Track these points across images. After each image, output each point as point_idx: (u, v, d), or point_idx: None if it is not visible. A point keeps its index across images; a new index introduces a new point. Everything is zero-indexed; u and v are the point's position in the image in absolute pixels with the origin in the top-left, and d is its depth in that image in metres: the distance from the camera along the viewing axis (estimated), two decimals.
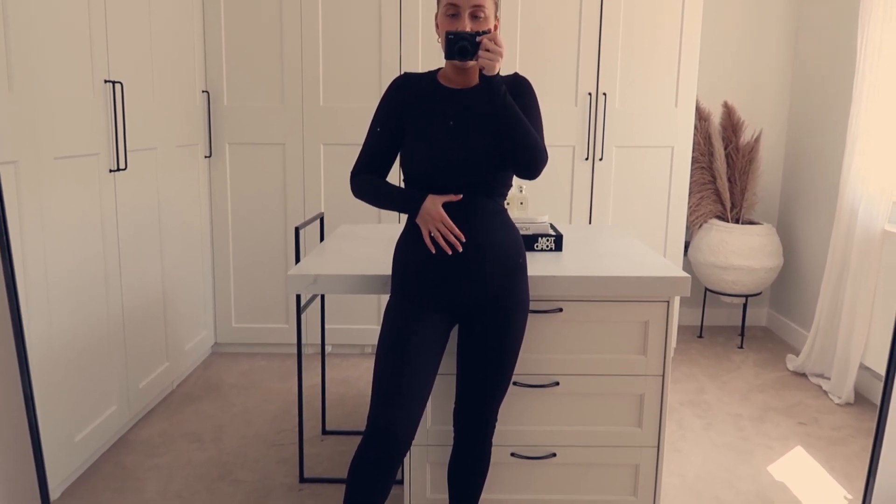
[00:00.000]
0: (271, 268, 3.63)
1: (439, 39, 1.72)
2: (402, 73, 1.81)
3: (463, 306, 1.72)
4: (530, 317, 1.93)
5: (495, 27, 1.73)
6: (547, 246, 2.23)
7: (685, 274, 1.91)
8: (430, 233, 1.68)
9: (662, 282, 1.91)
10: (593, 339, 1.97)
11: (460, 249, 1.67)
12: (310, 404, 3.05)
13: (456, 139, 1.70)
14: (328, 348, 3.72)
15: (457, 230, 1.67)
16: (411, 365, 1.65)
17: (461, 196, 1.70)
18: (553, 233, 2.26)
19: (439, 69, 1.81)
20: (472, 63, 1.67)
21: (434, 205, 1.68)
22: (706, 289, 3.92)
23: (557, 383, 1.98)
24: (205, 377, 3.37)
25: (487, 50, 1.60)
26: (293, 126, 3.50)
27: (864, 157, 3.04)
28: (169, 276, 3.09)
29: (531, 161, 1.68)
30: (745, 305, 3.86)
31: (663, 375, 1.99)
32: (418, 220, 1.70)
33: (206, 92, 3.45)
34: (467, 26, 1.65)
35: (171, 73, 3.06)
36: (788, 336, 3.92)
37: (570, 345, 1.97)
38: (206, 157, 3.48)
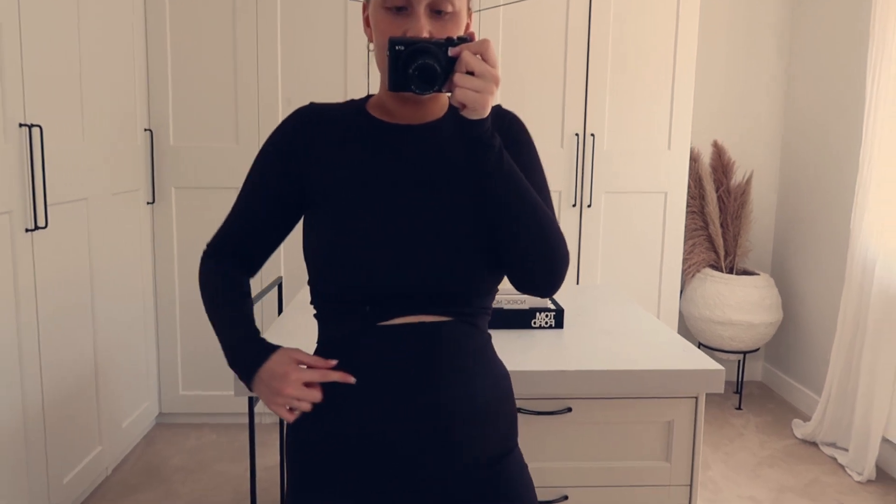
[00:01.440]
0: None
1: (372, 47, 1.03)
2: (309, 102, 1.15)
3: None
4: (532, 419, 1.59)
5: (467, 26, 1.03)
6: (546, 322, 1.91)
7: (718, 366, 1.60)
8: (287, 407, 1.00)
9: (692, 376, 1.59)
10: (608, 444, 1.64)
11: (352, 380, 0.99)
12: (267, 493, 2.65)
13: (409, 215, 0.99)
14: None
15: (334, 375, 0.98)
16: None
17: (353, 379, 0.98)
18: (553, 307, 1.93)
19: (369, 96, 1.12)
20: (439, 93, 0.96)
21: (282, 360, 1.00)
22: (700, 344, 3.63)
23: (566, 497, 1.64)
24: (145, 458, 2.93)
25: (471, 72, 0.90)
26: (249, 168, 3.13)
27: (881, 205, 2.77)
28: (103, 345, 2.67)
29: (545, 264, 0.95)
30: (741, 362, 3.58)
31: (691, 485, 1.67)
32: (256, 391, 1.02)
33: (149, 130, 3.06)
34: (424, 30, 0.96)
35: (105, 111, 2.67)
36: (788, 394, 3.64)
37: (580, 451, 1.64)
38: (148, 203, 3.08)
